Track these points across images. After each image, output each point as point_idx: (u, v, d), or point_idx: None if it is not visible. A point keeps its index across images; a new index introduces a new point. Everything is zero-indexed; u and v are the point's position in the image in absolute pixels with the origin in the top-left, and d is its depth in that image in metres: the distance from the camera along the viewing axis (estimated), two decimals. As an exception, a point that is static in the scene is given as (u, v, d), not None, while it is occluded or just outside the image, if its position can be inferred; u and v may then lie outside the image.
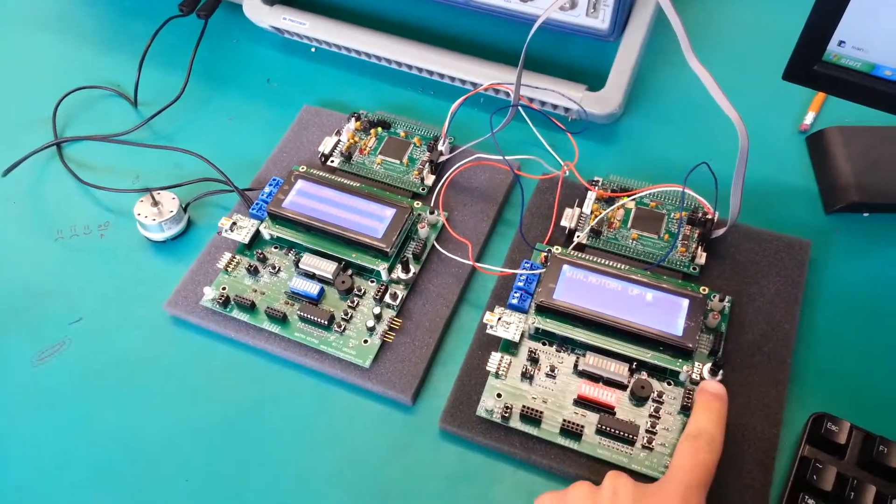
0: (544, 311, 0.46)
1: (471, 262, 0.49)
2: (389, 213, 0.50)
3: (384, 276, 0.49)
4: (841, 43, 0.46)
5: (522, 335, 0.46)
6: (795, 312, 0.47)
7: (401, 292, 0.48)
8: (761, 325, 0.46)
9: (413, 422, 0.45)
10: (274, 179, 0.53)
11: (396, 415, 0.45)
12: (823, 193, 0.53)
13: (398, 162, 0.55)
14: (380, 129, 0.57)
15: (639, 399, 0.43)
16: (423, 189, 0.54)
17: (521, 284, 0.47)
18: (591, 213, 0.51)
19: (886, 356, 0.46)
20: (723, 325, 0.46)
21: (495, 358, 0.45)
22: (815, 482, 0.38)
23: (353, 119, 0.57)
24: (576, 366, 0.45)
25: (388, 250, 0.49)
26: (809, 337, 0.46)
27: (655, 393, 0.43)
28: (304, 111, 0.60)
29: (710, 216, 0.49)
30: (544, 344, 0.46)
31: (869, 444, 0.40)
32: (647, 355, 0.44)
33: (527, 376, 0.44)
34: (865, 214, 0.52)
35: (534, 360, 0.45)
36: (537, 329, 0.46)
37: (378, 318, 0.47)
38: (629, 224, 0.50)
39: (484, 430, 0.43)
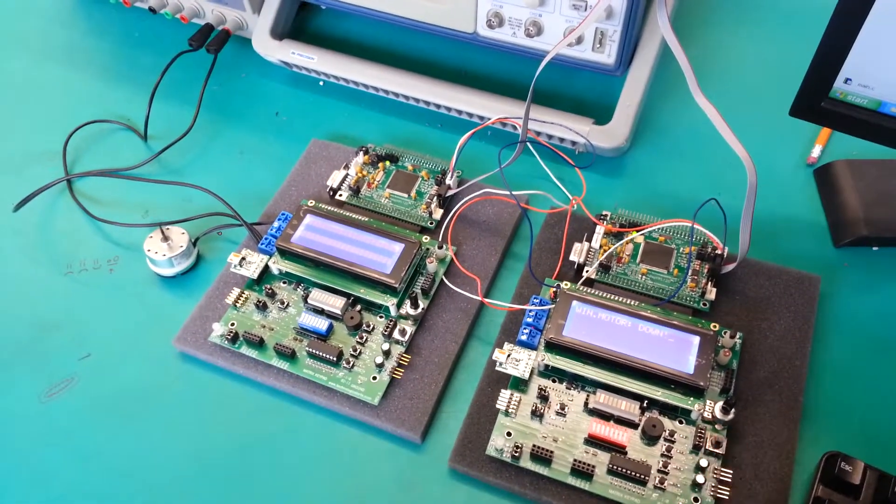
0: (554, 347, 0.46)
1: (479, 298, 0.49)
2: (398, 248, 0.50)
3: (393, 312, 0.49)
4: (847, 80, 0.46)
5: (532, 372, 0.46)
6: (806, 349, 0.46)
7: (409, 328, 0.48)
8: (772, 361, 0.46)
9: (422, 460, 0.44)
10: (283, 214, 0.53)
11: (405, 453, 0.45)
12: (832, 227, 0.53)
13: (406, 196, 0.55)
14: (388, 162, 0.57)
15: (650, 438, 0.43)
16: (431, 223, 0.54)
17: (530, 320, 0.47)
18: (600, 247, 0.51)
19: (894, 389, 0.45)
20: (734, 363, 0.45)
21: (505, 395, 0.44)
22: (832, 530, 0.38)
23: (361, 153, 0.58)
24: (586, 404, 0.44)
25: (396, 286, 0.49)
26: (821, 373, 0.46)
27: (667, 432, 0.43)
28: (313, 145, 0.60)
29: (719, 251, 0.49)
30: (554, 381, 0.45)
31: (884, 485, 0.39)
32: (657, 393, 0.44)
33: (537, 414, 0.44)
34: (875, 248, 0.52)
35: (544, 397, 0.45)
36: (547, 366, 0.45)
37: (387, 354, 0.47)
38: (638, 259, 0.50)
39: (494, 469, 0.43)
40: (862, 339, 0.48)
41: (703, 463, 0.41)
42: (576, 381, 0.45)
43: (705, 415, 0.43)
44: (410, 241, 0.51)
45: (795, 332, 0.47)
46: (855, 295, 0.50)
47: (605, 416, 0.44)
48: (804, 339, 0.47)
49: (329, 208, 0.54)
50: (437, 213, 0.54)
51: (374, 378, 0.46)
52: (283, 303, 0.50)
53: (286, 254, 0.51)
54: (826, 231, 0.53)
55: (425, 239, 0.52)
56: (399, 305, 0.49)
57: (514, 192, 0.51)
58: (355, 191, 0.56)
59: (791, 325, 0.47)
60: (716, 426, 0.43)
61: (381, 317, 0.49)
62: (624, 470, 0.41)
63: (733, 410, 0.43)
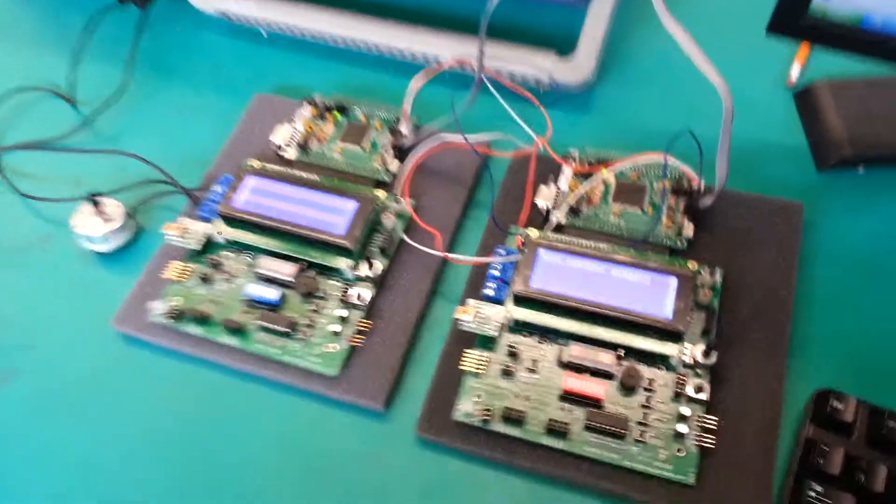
0: (522, 300, 0.42)
1: (441, 253, 0.45)
2: (351, 205, 0.47)
3: (349, 275, 0.45)
4: (827, -13, 0.42)
5: (501, 328, 0.42)
6: (792, 280, 0.43)
7: (368, 291, 0.45)
8: (756, 297, 0.43)
9: (387, 430, 0.41)
10: (225, 177, 0.49)
11: (369, 424, 0.42)
12: (814, 150, 0.50)
13: (359, 149, 0.51)
14: (337, 114, 0.53)
15: (628, 389, 0.40)
16: (387, 177, 0.50)
17: (496, 273, 0.44)
18: (569, 189, 0.47)
19: (890, 321, 0.42)
20: (715, 302, 0.42)
21: (472, 356, 0.41)
22: (822, 466, 0.35)
23: (307, 105, 0.53)
24: (559, 358, 0.41)
25: (351, 246, 0.45)
26: (808, 305, 0.43)
27: (646, 381, 0.40)
28: (256, 100, 0.56)
29: (695, 185, 0.46)
30: (525, 335, 0.42)
31: (877, 420, 0.37)
32: (635, 341, 0.41)
33: (507, 373, 0.41)
34: (860, 171, 0.49)
35: (514, 354, 0.42)
36: (516, 321, 0.42)
37: (344, 321, 0.44)
38: (610, 199, 0.47)
39: (464, 435, 0.40)
40: (849, 266, 0.45)
41: (686, 411, 0.39)
42: (547, 334, 0.42)
43: (686, 360, 0.40)
44: (365, 197, 0.47)
45: (780, 263, 0.44)
46: (841, 220, 0.47)
47: (579, 370, 0.41)
48: (789, 270, 0.44)
49: (275, 168, 0.50)
50: (394, 166, 0.50)
51: (333, 348, 0.43)
52: (229, 274, 0.46)
53: (230, 220, 0.47)
54: (808, 155, 0.50)
55: (381, 194, 0.48)
56: (355, 267, 0.45)
57: (473, 138, 0.48)
58: (303, 147, 0.51)
59: (775, 257, 0.44)
60: (697, 371, 0.40)
61: (337, 281, 0.46)
62: (601, 425, 0.38)
63: (715, 353, 0.40)
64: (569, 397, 0.40)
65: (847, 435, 0.37)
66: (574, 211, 0.46)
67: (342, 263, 0.45)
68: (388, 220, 0.47)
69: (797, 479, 0.36)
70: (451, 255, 0.45)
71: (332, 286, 0.45)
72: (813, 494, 0.34)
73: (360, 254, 0.46)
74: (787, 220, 0.46)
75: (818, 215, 0.47)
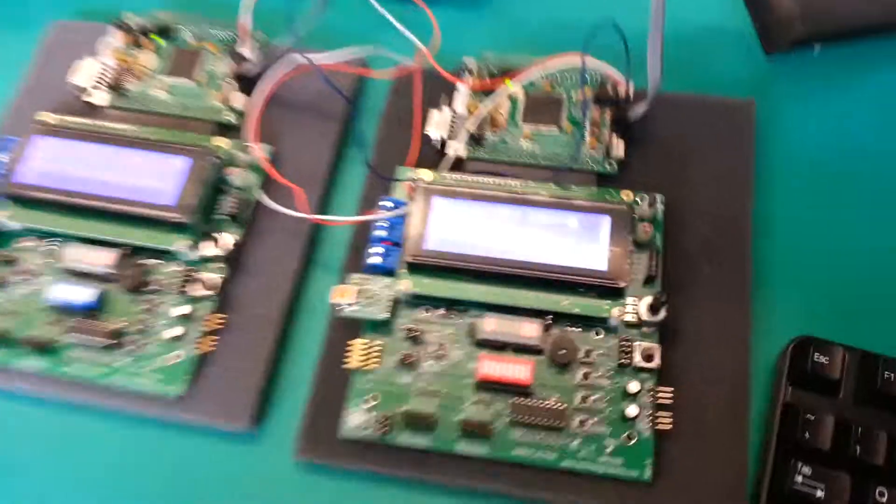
0: (417, 268, 0.33)
1: (306, 215, 0.34)
2: (182, 163, 0.35)
3: (189, 257, 0.34)
4: None
5: (394, 306, 0.33)
6: (748, 201, 0.35)
7: (217, 276, 0.34)
8: (706, 225, 0.34)
9: (258, 455, 0.32)
10: (5, 139, 0.37)
11: (234, 449, 0.32)
12: (762, 34, 0.40)
13: (191, 83, 0.39)
14: (158, 38, 0.40)
15: (560, 366, 0.31)
16: (232, 117, 0.38)
17: (382, 234, 0.34)
18: (467, 112, 0.37)
19: (877, 240, 0.35)
20: (657, 238, 0.34)
21: (359, 348, 0.32)
22: (810, 440, 0.28)
23: (115, 30, 0.40)
24: (472, 335, 0.32)
25: (186, 219, 0.34)
26: (770, 232, 0.35)
27: (582, 352, 0.32)
28: (52, 31, 0.42)
29: (622, 91, 0.36)
30: (427, 310, 0.33)
31: (869, 371, 0.29)
32: (563, 303, 0.32)
33: (407, 364, 0.32)
34: (816, 51, 0.40)
35: (414, 338, 0.32)
36: (413, 295, 0.33)
37: (189, 319, 0.33)
38: (519, 119, 0.37)
39: (357, 453, 0.31)
40: (817, 173, 0.36)
41: (633, 387, 0.31)
42: (455, 306, 0.33)
43: (628, 317, 0.32)
44: (200, 150, 0.35)
45: (732, 179, 0.35)
46: (800, 114, 0.38)
47: (498, 347, 0.32)
48: (743, 187, 0.35)
49: (76, 121, 0.37)
50: (239, 102, 0.38)
51: (175, 358, 0.33)
52: (28, 273, 0.35)
53: (19, 200, 0.35)
54: (755, 41, 0.41)
55: (224, 143, 0.37)
56: (196, 246, 0.34)
57: (336, 55, 0.36)
58: (116, 87, 0.39)
59: (725, 172, 0.36)
60: (644, 331, 0.32)
61: (175, 267, 0.35)
62: (530, 418, 0.30)
63: (665, 307, 0.31)
64: (487, 386, 0.31)
65: (833, 394, 0.29)
66: (476, 139, 0.36)
67: (178, 243, 0.34)
68: (238, 177, 0.36)
69: (778, 461, 0.28)
70: (318, 217, 0.35)
71: (167, 275, 0.34)
72: (800, 480, 0.27)
73: (200, 228, 0.35)
74: (736, 124, 0.37)
75: (773, 114, 0.38)
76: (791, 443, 0.28)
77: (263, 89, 0.37)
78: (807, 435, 0.28)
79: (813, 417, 0.28)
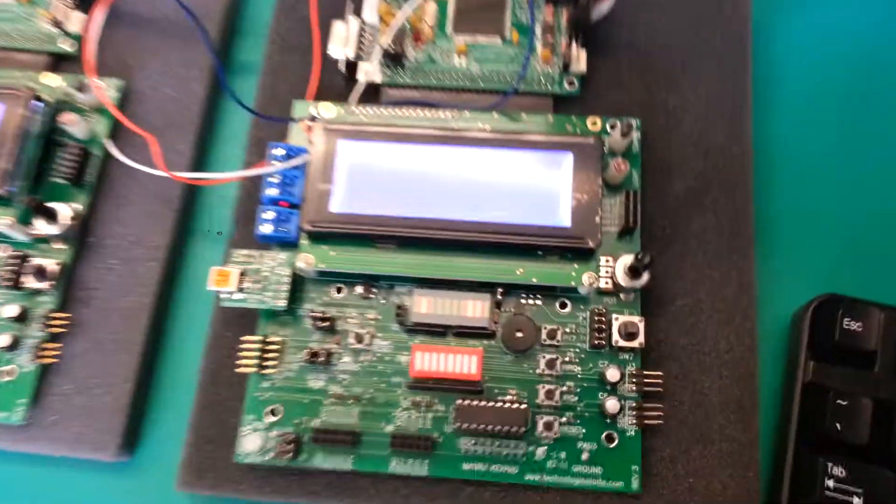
0: (322, 237, 0.25)
1: (166, 173, 0.26)
2: (-6, 110, 0.26)
3: (18, 237, 0.26)
4: None
5: (297, 286, 0.25)
6: (746, 124, 0.27)
7: (55, 262, 0.25)
8: (696, 157, 0.27)
9: (133, 488, 0.25)
10: None
11: (104, 483, 0.25)
12: None
13: (12, 0, 0.29)
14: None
15: (518, 352, 0.24)
16: (68, 45, 0.29)
17: (274, 193, 0.25)
18: (380, 21, 0.28)
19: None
20: (634, 177, 0.26)
21: (251, 347, 0.24)
22: (843, 433, 0.21)
23: None
24: (401, 319, 0.25)
25: (3, 189, 0.25)
26: (774, 163, 0.28)
27: (544, 333, 0.24)
28: None
29: (582, -17, 0.28)
30: (340, 289, 0.25)
31: (905, 332, 0.23)
32: (518, 272, 0.24)
33: (316, 362, 0.24)
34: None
35: (325, 328, 0.25)
36: (319, 271, 0.25)
37: (21, 320, 0.25)
38: (449, 28, 0.28)
39: (256, 481, 0.24)
40: (827, 84, 0.29)
41: (612, 374, 0.24)
42: (376, 282, 0.25)
43: (602, 284, 0.24)
44: (15, 91, 0.26)
45: (725, 96, 0.28)
46: (805, 12, 0.30)
47: (436, 333, 0.25)
48: (740, 106, 0.28)
49: None
50: (76, 22, 0.29)
51: (7, 375, 0.24)
52: None
53: None
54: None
55: (53, 79, 0.27)
56: (27, 223, 0.26)
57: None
58: None
59: (718, 88, 0.28)
60: (622, 298, 0.25)
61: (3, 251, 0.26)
62: (482, 424, 0.23)
63: (647, 272, 0.24)
64: (423, 385, 0.24)
65: (868, 368, 0.23)
66: (394, 57, 0.28)
67: (-2, 221, 0.25)
68: (76, 126, 0.27)
69: (801, 460, 0.22)
70: (184, 175, 0.26)
71: (-13, 264, 0.26)
72: (832, 484, 0.21)
73: (24, 197, 0.26)
74: (727, 26, 0.29)
75: (772, 5, 0.30)
76: (817, 435, 0.22)
77: (105, 2, 0.28)
78: (838, 425, 0.21)
79: (845, 403, 0.21)
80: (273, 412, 0.24)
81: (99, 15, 0.27)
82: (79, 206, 0.26)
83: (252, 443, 0.23)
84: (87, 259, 0.26)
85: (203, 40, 0.28)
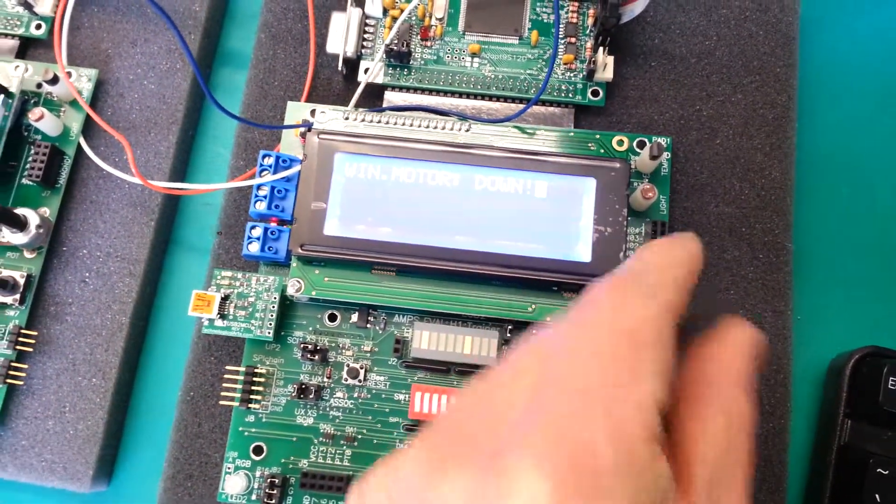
0: (314, 262, 0.22)
1: (139, 180, 0.23)
2: (-46, 102, 0.23)
3: (-21, 247, 0.23)
4: None
5: (286, 310, 0.23)
6: (789, 139, 0.25)
7: (21, 273, 0.23)
8: (732, 176, 0.24)
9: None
10: None
11: (75, 519, 0.23)
12: None
13: (-25, -25, 0.26)
14: None
15: (527, 396, 0.22)
16: (36, 29, 0.26)
17: (261, 208, 0.23)
18: (384, 15, 0.25)
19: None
20: (663, 204, 0.23)
21: (235, 379, 0.22)
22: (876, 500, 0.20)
23: None
24: (399, 352, 0.22)
25: (-38, 193, 0.22)
26: (817, 195, 0.25)
27: (556, 374, 0.22)
28: None
29: (613, -22, 0.25)
30: (333, 319, 0.23)
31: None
32: (529, 309, 0.22)
33: (306, 397, 0.22)
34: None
35: (315, 360, 0.22)
36: (312, 298, 0.23)
37: (-18, 341, 0.23)
38: (460, 24, 0.25)
39: (239, 529, 0.22)
40: (888, 93, 0.26)
41: (630, 424, 0.22)
42: (373, 313, 0.23)
43: (622, 321, 0.22)
44: (-20, 80, 0.23)
45: (767, 108, 0.25)
46: (861, 11, 0.27)
47: (436, 370, 0.22)
48: (784, 120, 0.25)
49: None
50: (47, 4, 0.26)
51: (-33, 398, 0.22)
52: None
53: None
54: None
55: (21, 67, 0.25)
56: (-12, 230, 0.23)
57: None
58: None
59: (759, 97, 0.25)
60: (643, 336, 0.23)
61: (-40, 261, 0.24)
62: (485, 475, 0.21)
63: (674, 310, 0.22)
64: (423, 427, 0.22)
65: (909, 431, 0.21)
66: (399, 56, 0.25)
67: (-43, 228, 0.23)
68: (44, 121, 0.24)
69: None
70: (160, 184, 0.23)
71: (-53, 276, 0.23)
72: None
73: (-10, 203, 0.23)
74: (771, 28, 0.26)
75: (822, 6, 0.27)
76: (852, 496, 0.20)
77: (80, -18, 0.25)
78: (877, 496, 0.19)
79: (886, 472, 0.19)
80: (258, 450, 0.22)
81: (69, -4, 0.24)
82: (44, 211, 0.24)
83: (236, 484, 0.22)
84: (58, 271, 0.24)
85: (203, 27, 0.25)
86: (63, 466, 0.23)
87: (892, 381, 0.20)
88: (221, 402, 0.22)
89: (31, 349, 0.23)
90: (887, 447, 0.20)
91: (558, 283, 0.21)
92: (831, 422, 0.21)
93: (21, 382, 0.23)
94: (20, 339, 0.23)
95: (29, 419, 0.23)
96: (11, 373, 0.23)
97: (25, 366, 0.23)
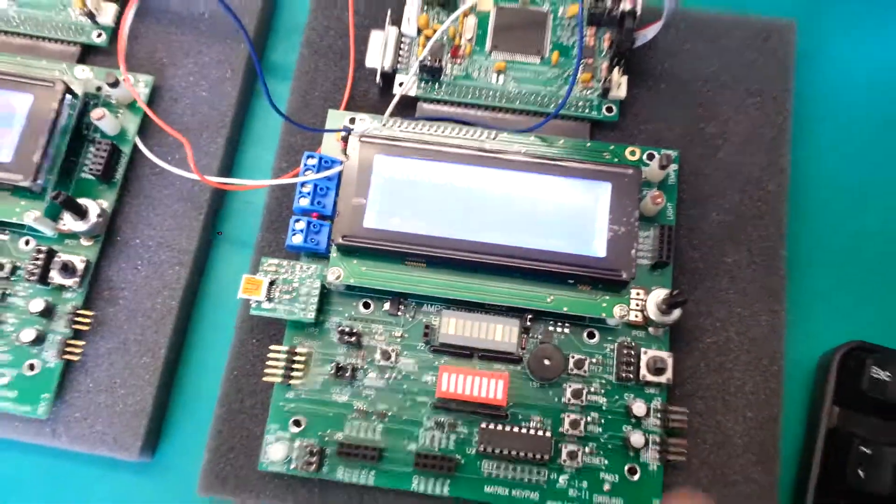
0: (354, 251, 0.24)
1: (195, 176, 0.25)
2: (24, 102, 0.25)
3: (48, 233, 0.25)
4: None
5: (324, 298, 0.25)
6: (783, 163, 0.27)
7: (81, 260, 0.25)
8: (734, 193, 0.27)
9: (153, 490, 0.25)
10: None
11: (123, 483, 0.25)
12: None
13: (43, -12, 0.28)
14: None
15: (545, 380, 0.24)
16: (97, 38, 0.28)
17: (305, 204, 0.25)
18: (418, 34, 0.28)
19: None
20: (670, 210, 0.26)
21: (278, 357, 0.24)
22: (865, 480, 0.22)
23: None
24: (427, 338, 0.25)
25: (29, 182, 0.25)
26: (810, 201, 0.28)
27: (571, 363, 0.24)
28: None
29: (628, 4, 0.27)
30: (368, 305, 0.25)
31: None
32: (548, 300, 0.24)
33: (342, 376, 0.24)
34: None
35: (351, 343, 0.24)
36: (348, 286, 0.25)
37: (48, 317, 0.25)
38: (488, 44, 0.28)
39: (278, 490, 0.24)
40: (876, 118, 0.29)
41: (638, 409, 0.24)
42: (405, 300, 0.25)
43: (632, 317, 0.24)
44: (44, 83, 0.26)
45: (765, 128, 0.27)
46: (850, 42, 0.30)
47: (461, 355, 0.24)
48: (780, 139, 0.27)
49: None
50: (107, 13, 0.28)
51: (31, 369, 0.24)
52: None
53: None
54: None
55: (84, 72, 0.27)
56: (56, 218, 0.25)
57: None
58: (-65, -7, 0.28)
59: (758, 118, 0.27)
60: (651, 332, 0.25)
61: (23, 246, 0.26)
62: (505, 448, 0.23)
63: (680, 309, 0.24)
64: (448, 406, 0.24)
65: (894, 418, 0.23)
66: (431, 71, 0.27)
67: (25, 215, 0.25)
68: (103, 121, 0.26)
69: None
70: (214, 179, 0.26)
71: (15, 258, 0.25)
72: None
73: (51, 191, 0.25)
74: (771, 53, 0.28)
75: (817, 37, 0.30)
76: (838, 482, 0.22)
77: (140, -4, 0.27)
78: (860, 472, 0.22)
79: (869, 451, 0.22)
80: (297, 423, 0.24)
81: (132, 8, 0.27)
82: (103, 203, 0.26)
83: (278, 452, 0.23)
84: (113, 258, 0.26)
85: (245, 39, 0.27)
86: (113, 438, 0.24)
87: (875, 371, 0.22)
88: (265, 378, 0.24)
89: (86, 328, 0.25)
90: (870, 430, 0.22)
91: (575, 275, 0.24)
92: (820, 409, 0.23)
93: (77, 359, 0.25)
94: (77, 318, 0.25)
95: (83, 393, 0.25)
96: (68, 349, 0.25)
97: (83, 342, 0.25)
